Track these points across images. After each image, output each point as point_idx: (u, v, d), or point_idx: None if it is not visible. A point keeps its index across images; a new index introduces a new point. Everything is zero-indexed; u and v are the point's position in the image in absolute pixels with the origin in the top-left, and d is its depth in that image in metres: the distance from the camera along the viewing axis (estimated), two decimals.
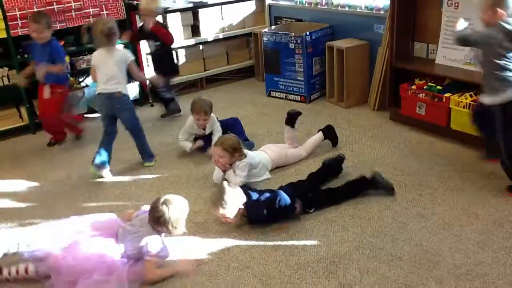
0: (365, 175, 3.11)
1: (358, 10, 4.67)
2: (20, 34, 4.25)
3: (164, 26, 4.56)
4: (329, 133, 3.78)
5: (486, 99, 2.92)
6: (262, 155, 3.46)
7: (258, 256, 2.60)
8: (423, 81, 3.92)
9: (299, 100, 4.87)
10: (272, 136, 4.09)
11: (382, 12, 4.44)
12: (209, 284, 2.42)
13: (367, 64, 4.61)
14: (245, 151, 3.34)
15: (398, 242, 2.63)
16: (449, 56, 3.91)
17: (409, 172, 3.35)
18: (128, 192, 3.38)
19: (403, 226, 2.77)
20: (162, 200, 2.53)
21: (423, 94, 3.82)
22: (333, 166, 3.34)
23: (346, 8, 4.79)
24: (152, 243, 2.51)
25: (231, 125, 3.94)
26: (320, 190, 3.11)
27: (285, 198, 2.81)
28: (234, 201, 2.75)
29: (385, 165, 3.44)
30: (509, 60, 2.76)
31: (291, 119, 3.67)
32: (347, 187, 3.10)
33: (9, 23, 4.19)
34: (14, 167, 3.87)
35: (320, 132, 3.78)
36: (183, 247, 2.71)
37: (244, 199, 2.79)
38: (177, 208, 2.54)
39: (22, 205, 3.33)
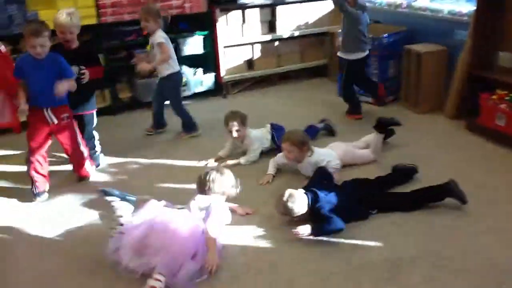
0: (441, 183, 3.00)
1: (439, 14, 4.54)
2: (109, 21, 4.52)
3: (92, 51, 3.75)
4: (386, 125, 3.67)
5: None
6: (328, 153, 3.47)
7: (320, 251, 2.63)
8: (505, 92, 3.76)
9: (371, 102, 4.81)
10: (340, 136, 4.08)
11: (465, 18, 4.29)
12: (271, 272, 2.48)
13: (444, 70, 4.48)
14: (312, 147, 3.37)
15: (467, 254, 2.55)
16: None
17: (482, 185, 3.23)
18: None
19: (473, 238, 2.69)
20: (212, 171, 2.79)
21: (505, 105, 3.66)
22: (404, 175, 3.28)
23: (427, 12, 4.67)
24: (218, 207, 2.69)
25: (276, 130, 3.86)
26: (387, 194, 3.09)
27: (339, 223, 2.70)
28: (300, 209, 2.77)
29: (456, 175, 3.32)
30: None
31: (383, 125, 3.60)
32: (420, 195, 3.00)
33: (100, 10, 4.45)
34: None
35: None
36: (250, 235, 2.80)
37: (306, 203, 2.79)
38: (220, 173, 2.78)
39: (101, 180, 3.56)
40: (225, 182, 2.82)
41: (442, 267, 2.46)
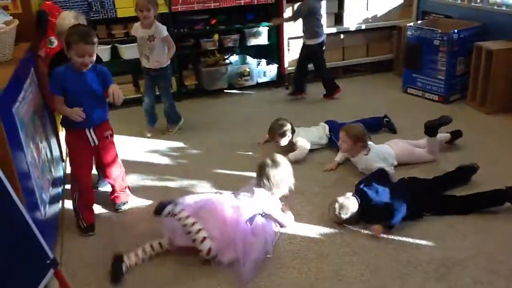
0: (501, 187, 2.89)
1: None
2: (179, 10, 4.69)
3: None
4: (435, 128, 3.54)
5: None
6: (384, 149, 3.44)
7: (370, 246, 2.64)
8: None
9: (436, 100, 4.69)
10: (402, 132, 4.02)
11: None
12: (318, 262, 2.54)
13: None
14: (370, 143, 3.36)
15: None
16: None
17: None
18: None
19: None
20: (268, 161, 2.79)
21: None
22: (463, 174, 3.20)
23: (503, 8, 4.46)
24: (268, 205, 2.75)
25: (334, 130, 3.82)
26: (442, 197, 3.01)
27: (398, 218, 2.72)
28: (351, 216, 2.79)
29: None
30: None
31: (431, 129, 3.48)
32: (478, 199, 2.91)
33: None
34: (161, 129, 4.33)
35: (448, 134, 3.67)
36: (300, 224, 2.85)
37: (356, 207, 2.80)
38: (282, 167, 2.78)
39: (163, 162, 3.75)
40: (280, 176, 2.79)
41: (494, 271, 2.40)
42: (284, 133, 3.70)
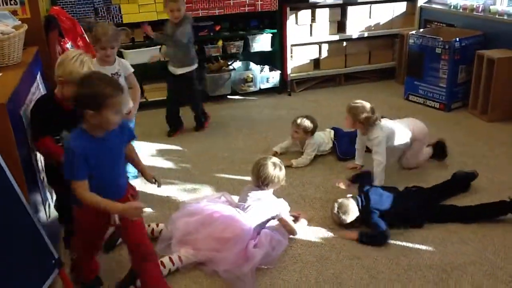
0: (505, 199, 2.90)
1: None
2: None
3: None
4: (439, 150, 3.59)
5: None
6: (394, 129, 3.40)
7: (370, 250, 2.67)
8: None
9: (438, 107, 4.73)
10: None
11: None
12: (318, 265, 2.56)
13: None
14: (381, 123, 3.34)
15: None
16: None
17: None
18: None
19: None
20: (259, 163, 2.81)
21: None
22: (462, 182, 3.22)
23: (505, 17, 4.50)
24: (281, 207, 2.79)
25: (339, 139, 3.88)
26: (445, 207, 3.01)
27: (383, 237, 2.74)
28: (351, 218, 2.84)
29: None
30: None
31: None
32: (481, 210, 2.92)
33: None
34: (164, 133, 4.37)
35: (430, 147, 3.63)
36: (301, 229, 2.87)
37: (357, 209, 2.85)
38: (274, 164, 2.79)
39: (166, 166, 3.79)
40: (279, 177, 2.82)
41: (493, 277, 2.42)
42: (309, 129, 3.72)
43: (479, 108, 4.47)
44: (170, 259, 2.53)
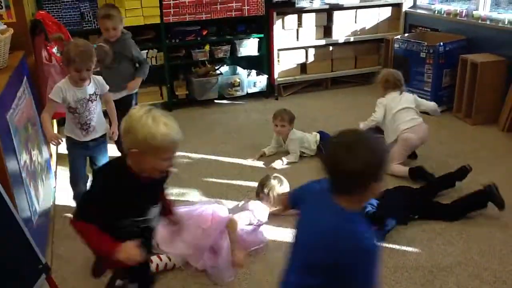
0: (481, 188, 2.99)
1: (500, 24, 4.45)
2: (171, 21, 4.75)
3: None
4: (418, 175, 3.43)
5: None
6: None
7: None
8: None
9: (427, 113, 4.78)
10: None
11: None
12: None
13: (502, 82, 4.37)
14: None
15: (506, 266, 2.54)
16: None
17: None
18: (245, 173, 3.66)
19: None
20: (267, 178, 3.00)
21: None
22: (449, 178, 3.26)
23: (487, 22, 4.58)
24: (257, 208, 2.84)
25: (324, 139, 3.91)
26: (430, 202, 3.08)
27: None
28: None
29: (505, 189, 3.28)
30: None
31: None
32: (462, 204, 2.99)
33: (164, 10, 4.69)
34: None
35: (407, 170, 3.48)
36: (287, 232, 2.89)
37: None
38: (284, 184, 2.99)
39: None
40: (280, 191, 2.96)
41: (479, 277, 2.47)
42: (292, 118, 3.86)
43: (463, 111, 4.54)
44: (158, 256, 2.56)
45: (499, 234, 2.81)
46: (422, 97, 4.72)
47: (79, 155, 2.89)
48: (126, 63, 3.51)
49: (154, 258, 2.53)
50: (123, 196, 1.70)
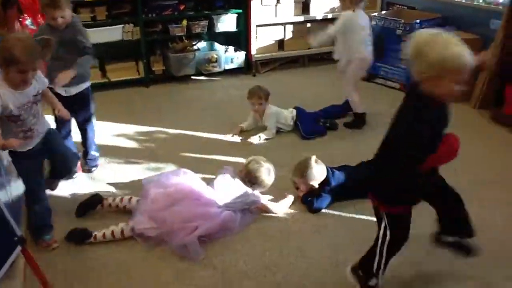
0: None
1: (475, 2, 4.51)
2: None
3: None
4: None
5: None
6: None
7: (332, 225, 2.77)
8: None
9: (398, 88, 4.86)
10: (369, 118, 4.16)
11: (501, 8, 4.25)
12: (282, 238, 2.64)
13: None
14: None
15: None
16: None
17: (501, 172, 3.28)
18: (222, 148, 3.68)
19: (482, 221, 2.76)
20: (256, 163, 2.94)
21: None
22: None
23: (463, 0, 4.64)
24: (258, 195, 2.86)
25: (302, 118, 3.95)
26: None
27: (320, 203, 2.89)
28: (318, 177, 2.91)
29: (477, 164, 3.39)
30: None
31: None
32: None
33: None
34: (127, 114, 4.33)
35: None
36: (285, 205, 2.94)
37: (323, 177, 2.93)
38: (268, 170, 2.96)
39: (130, 146, 3.77)
40: (271, 179, 2.99)
41: None
42: (267, 95, 3.87)
43: None
44: (112, 233, 2.59)
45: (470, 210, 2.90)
46: (397, 74, 4.84)
47: (32, 166, 2.52)
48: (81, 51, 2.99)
49: (107, 234, 2.58)
50: (437, 126, 1.71)
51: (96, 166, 3.39)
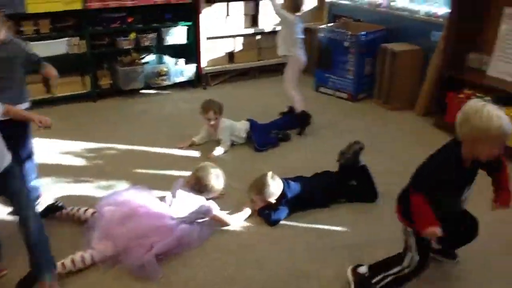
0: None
1: (416, 15, 4.71)
2: (94, 7, 4.55)
3: None
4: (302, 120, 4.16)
5: None
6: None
7: (288, 235, 2.77)
8: (472, 91, 3.94)
9: (345, 98, 4.97)
10: (318, 130, 4.22)
11: (441, 20, 4.45)
12: (239, 253, 2.61)
13: (418, 70, 4.65)
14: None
15: None
16: (502, 69, 3.92)
17: None
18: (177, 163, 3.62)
19: None
20: (204, 170, 2.93)
21: None
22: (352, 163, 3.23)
23: (406, 12, 4.83)
24: (211, 205, 2.80)
25: (254, 130, 3.95)
26: (348, 186, 3.20)
27: (278, 215, 2.90)
28: (275, 193, 2.91)
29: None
30: None
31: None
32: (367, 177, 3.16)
33: None
34: (73, 130, 4.19)
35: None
36: (241, 218, 2.92)
37: (280, 191, 2.93)
38: (217, 176, 2.96)
39: (78, 163, 3.63)
40: (220, 184, 3.00)
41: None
42: (220, 108, 3.85)
43: (382, 98, 4.77)
44: (73, 261, 2.44)
45: None
46: (345, 85, 4.96)
47: None
48: (19, 68, 2.77)
49: (67, 264, 2.43)
50: (454, 176, 2.03)
51: (38, 197, 2.99)
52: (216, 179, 2.97)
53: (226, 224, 2.83)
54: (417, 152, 3.74)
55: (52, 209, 2.91)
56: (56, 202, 2.95)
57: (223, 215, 2.84)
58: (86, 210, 2.83)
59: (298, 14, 4.07)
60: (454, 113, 3.93)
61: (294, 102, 4.24)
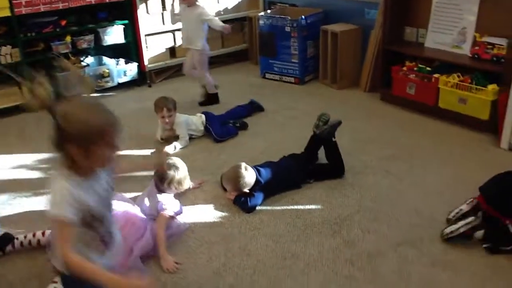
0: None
1: None
2: (24, 12, 4.33)
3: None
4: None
5: None
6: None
7: (267, 219, 2.82)
8: (413, 63, 4.17)
9: (293, 82, 5.08)
10: (270, 112, 4.29)
11: None
12: (224, 243, 2.63)
13: (359, 48, 4.84)
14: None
15: (395, 206, 2.87)
16: (438, 40, 4.17)
17: (400, 147, 3.60)
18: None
19: (399, 192, 3.02)
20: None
21: (414, 75, 4.07)
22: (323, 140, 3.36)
23: None
24: (166, 201, 2.75)
25: (211, 121, 3.96)
26: (317, 165, 3.32)
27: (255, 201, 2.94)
28: (250, 183, 2.94)
29: (377, 142, 3.69)
30: None
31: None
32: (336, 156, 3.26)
33: (13, 1, 4.25)
34: (21, 143, 3.98)
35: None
36: (197, 213, 2.91)
37: (254, 179, 2.96)
38: (181, 169, 2.90)
39: (33, 176, 3.47)
40: (185, 182, 2.94)
41: (376, 220, 2.75)
42: (174, 104, 3.80)
43: (329, 78, 4.92)
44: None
45: (384, 181, 3.16)
46: (290, 69, 5.06)
47: None
48: None
49: None
50: None
51: None
52: (176, 170, 2.88)
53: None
54: (369, 124, 3.97)
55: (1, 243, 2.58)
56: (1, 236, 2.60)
57: (164, 223, 2.65)
58: (43, 232, 2.60)
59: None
60: (400, 86, 4.22)
61: (208, 85, 4.60)
